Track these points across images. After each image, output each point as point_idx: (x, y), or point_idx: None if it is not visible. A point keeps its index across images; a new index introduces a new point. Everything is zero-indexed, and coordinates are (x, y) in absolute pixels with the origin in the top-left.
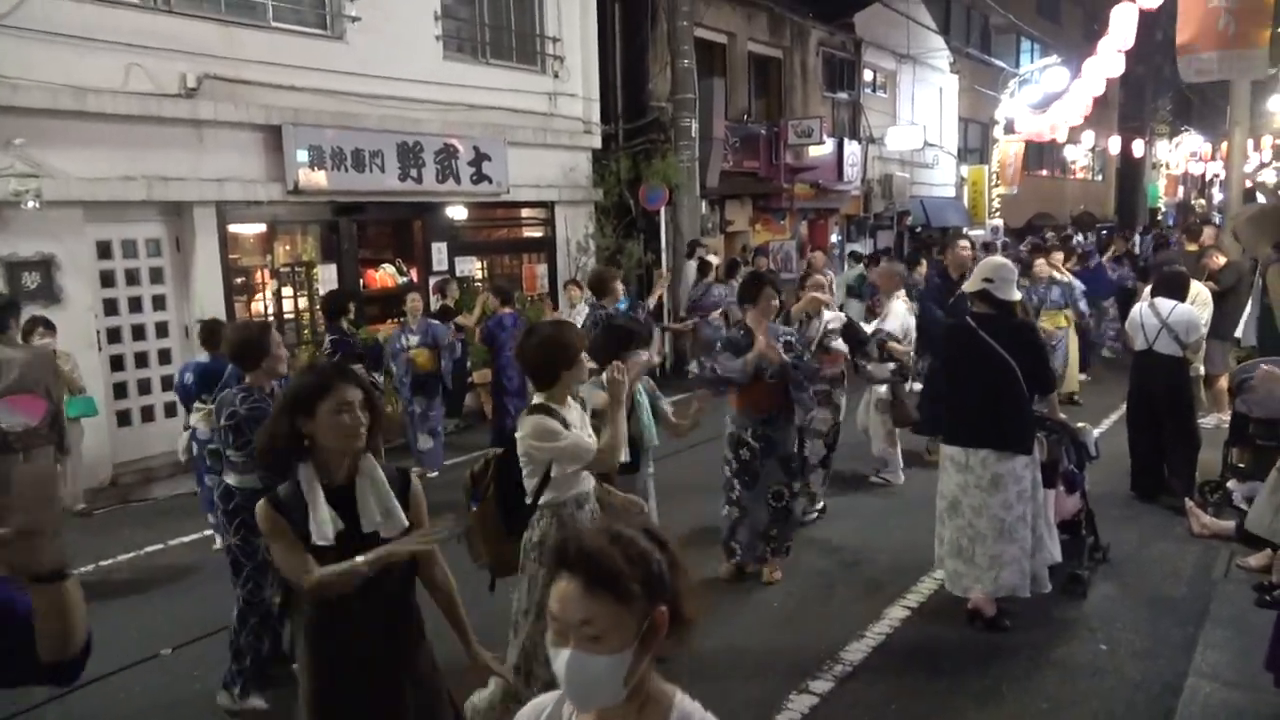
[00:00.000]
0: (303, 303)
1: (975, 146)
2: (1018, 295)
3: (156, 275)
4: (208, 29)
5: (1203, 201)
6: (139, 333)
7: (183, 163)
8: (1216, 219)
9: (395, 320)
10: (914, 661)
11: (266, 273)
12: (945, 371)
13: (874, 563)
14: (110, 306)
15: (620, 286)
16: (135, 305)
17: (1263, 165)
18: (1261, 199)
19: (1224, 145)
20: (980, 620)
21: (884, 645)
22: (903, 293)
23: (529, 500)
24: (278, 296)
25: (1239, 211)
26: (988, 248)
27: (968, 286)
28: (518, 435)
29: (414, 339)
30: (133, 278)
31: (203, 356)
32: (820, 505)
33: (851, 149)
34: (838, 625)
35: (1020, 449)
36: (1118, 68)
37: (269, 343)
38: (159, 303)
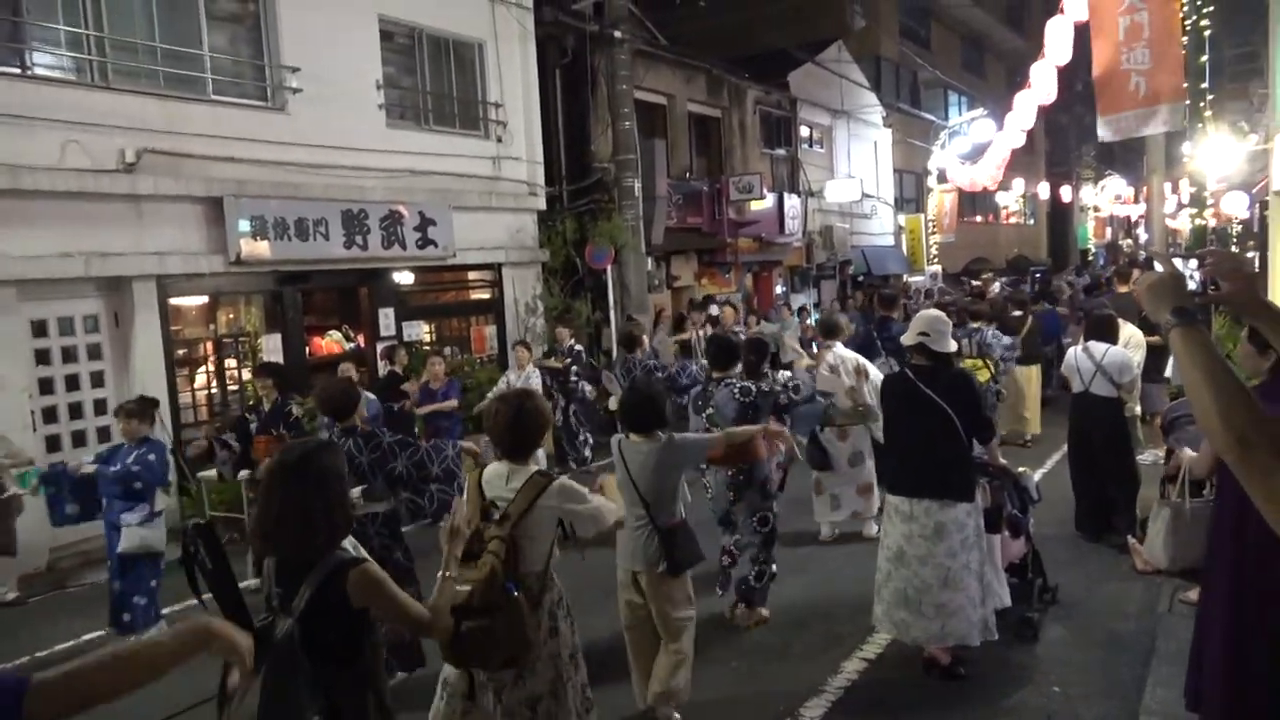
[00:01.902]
0: (246, 374)
1: (911, 196)
2: (953, 346)
3: (94, 352)
4: (147, 104)
5: (1130, 241)
6: (76, 411)
7: (122, 238)
8: (1142, 258)
9: None
10: (872, 714)
11: (210, 344)
12: (886, 423)
13: (830, 616)
14: (46, 385)
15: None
16: (72, 383)
17: (1181, 207)
18: (1159, 267)
19: (1145, 188)
20: (936, 669)
21: (842, 699)
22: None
23: (541, 566)
24: (220, 368)
25: (1139, 279)
26: (929, 295)
27: (906, 339)
28: (549, 504)
29: None
30: (70, 355)
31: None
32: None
33: (792, 202)
34: (796, 680)
35: (962, 497)
36: (1033, 120)
37: (358, 395)
38: (97, 379)
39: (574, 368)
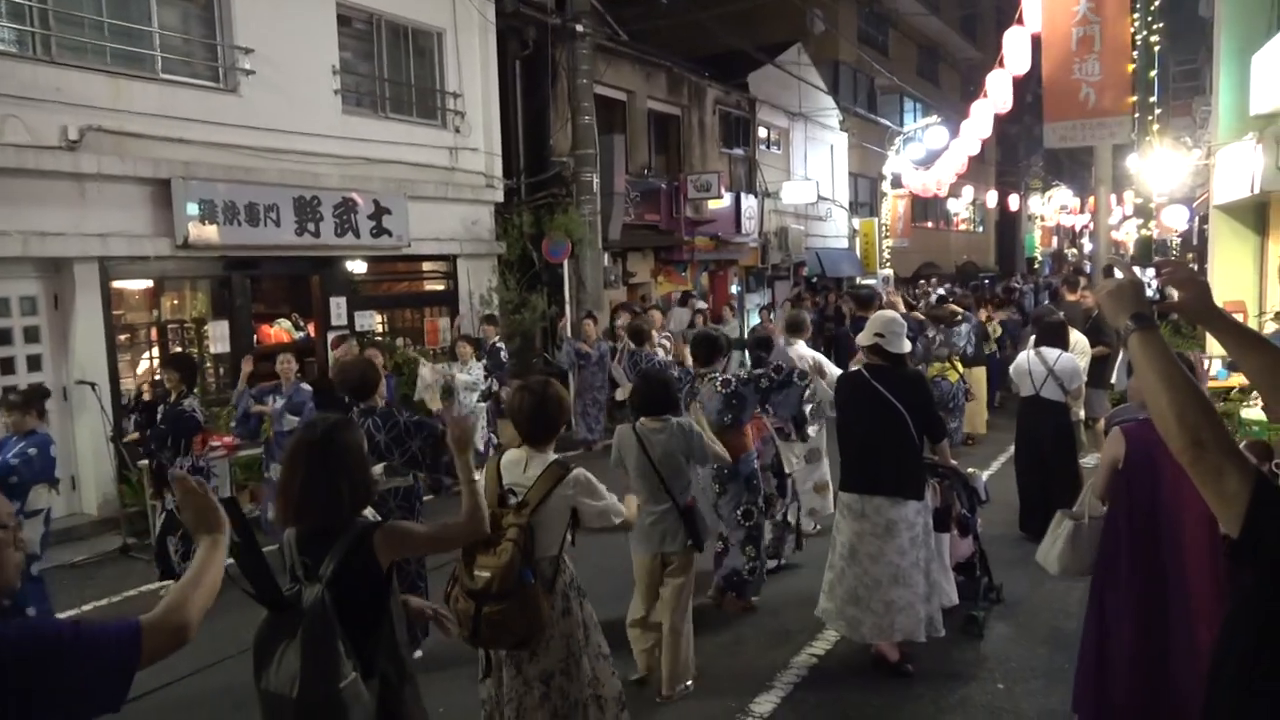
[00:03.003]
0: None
1: (865, 200)
2: (907, 347)
3: (32, 334)
4: (92, 80)
5: (1074, 251)
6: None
7: (63, 217)
8: (1087, 268)
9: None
10: (821, 710)
11: (154, 330)
12: (842, 421)
13: (781, 613)
14: None
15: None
16: (7, 367)
17: (1125, 218)
18: (1119, 273)
19: (1091, 200)
20: (885, 665)
21: (791, 695)
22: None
23: (555, 551)
24: (165, 354)
25: (1099, 286)
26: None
27: (861, 339)
28: (566, 493)
29: (280, 402)
30: (4, 337)
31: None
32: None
33: (748, 203)
34: (747, 677)
35: (912, 495)
36: (989, 129)
37: (378, 377)
38: (34, 363)
39: (485, 363)
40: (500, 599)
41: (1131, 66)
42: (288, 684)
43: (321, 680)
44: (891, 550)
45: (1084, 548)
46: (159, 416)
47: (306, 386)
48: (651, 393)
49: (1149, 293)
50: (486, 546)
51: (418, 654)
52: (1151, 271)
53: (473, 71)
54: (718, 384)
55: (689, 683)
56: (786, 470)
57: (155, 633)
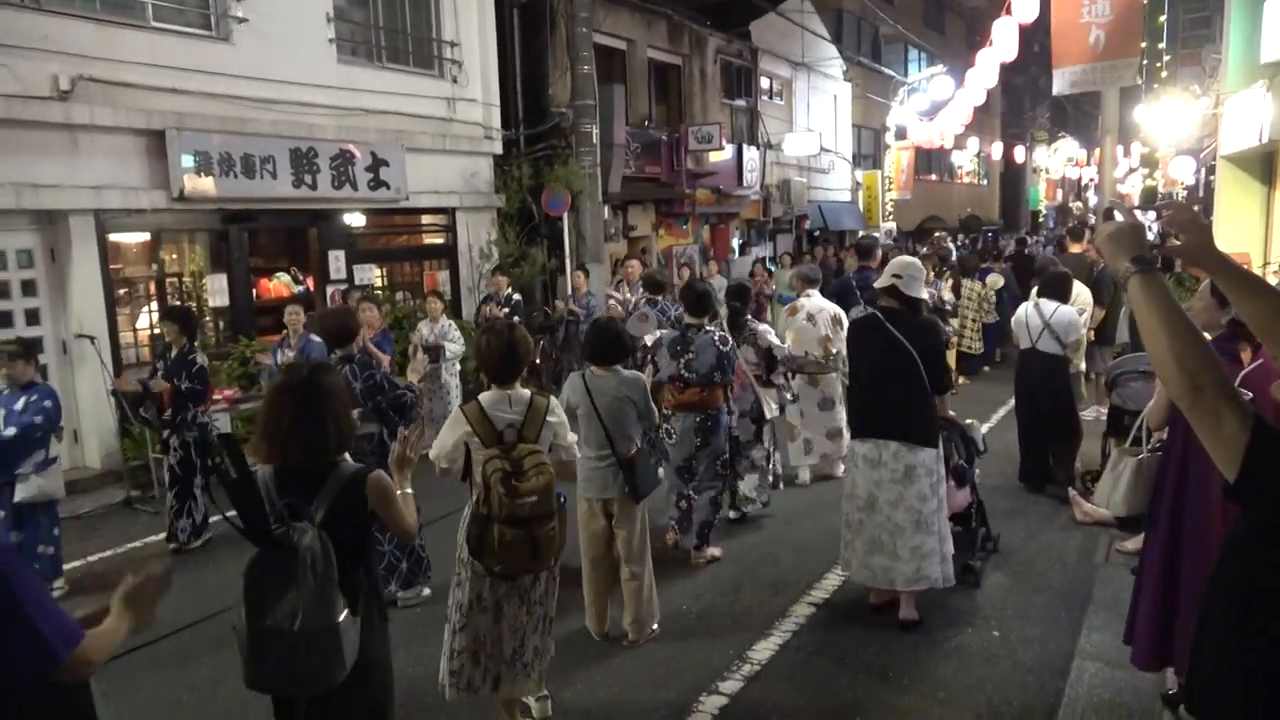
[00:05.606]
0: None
1: (869, 152)
2: (924, 293)
3: (29, 288)
4: (82, 28)
5: (1080, 204)
6: None
7: (57, 169)
8: (1092, 220)
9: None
10: (820, 657)
11: (153, 284)
12: (854, 365)
13: (780, 562)
14: None
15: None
16: (4, 320)
17: (1131, 170)
18: (1119, 216)
19: (1097, 151)
20: (899, 616)
21: (790, 643)
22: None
23: None
24: (164, 308)
25: (1099, 229)
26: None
27: (879, 282)
28: (550, 420)
29: (290, 355)
30: (2, 291)
31: None
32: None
33: (750, 154)
34: (746, 625)
35: (927, 442)
36: (995, 78)
37: (358, 325)
38: (32, 317)
39: (515, 318)
40: (548, 519)
41: (1144, 3)
42: (288, 619)
43: (323, 616)
44: (912, 495)
45: (1146, 485)
46: (165, 369)
47: (316, 338)
48: (602, 342)
49: (1149, 236)
50: (520, 476)
51: (426, 592)
52: (1152, 215)
53: (470, 20)
54: (715, 338)
55: (654, 627)
56: (766, 415)
57: (85, 653)
